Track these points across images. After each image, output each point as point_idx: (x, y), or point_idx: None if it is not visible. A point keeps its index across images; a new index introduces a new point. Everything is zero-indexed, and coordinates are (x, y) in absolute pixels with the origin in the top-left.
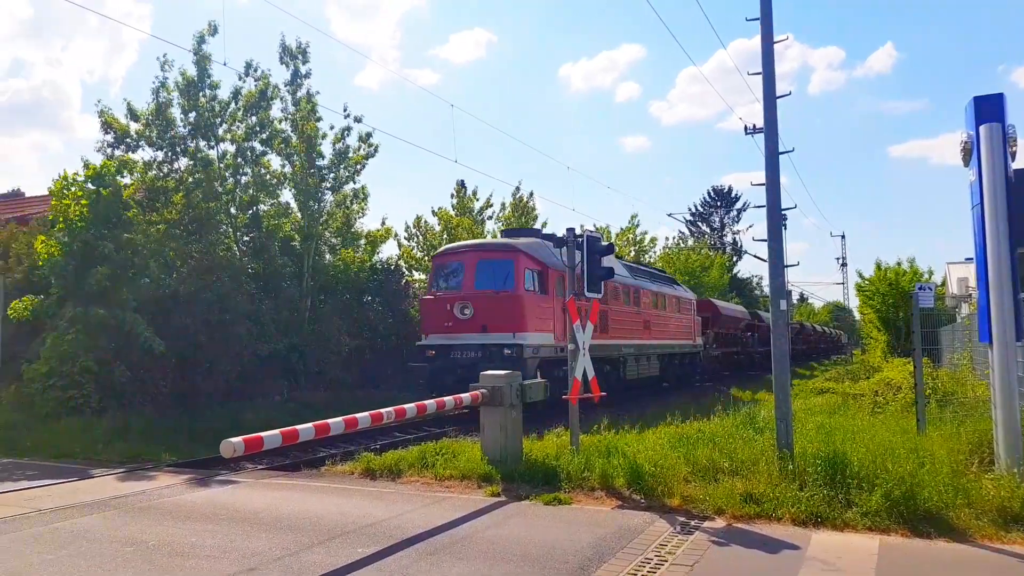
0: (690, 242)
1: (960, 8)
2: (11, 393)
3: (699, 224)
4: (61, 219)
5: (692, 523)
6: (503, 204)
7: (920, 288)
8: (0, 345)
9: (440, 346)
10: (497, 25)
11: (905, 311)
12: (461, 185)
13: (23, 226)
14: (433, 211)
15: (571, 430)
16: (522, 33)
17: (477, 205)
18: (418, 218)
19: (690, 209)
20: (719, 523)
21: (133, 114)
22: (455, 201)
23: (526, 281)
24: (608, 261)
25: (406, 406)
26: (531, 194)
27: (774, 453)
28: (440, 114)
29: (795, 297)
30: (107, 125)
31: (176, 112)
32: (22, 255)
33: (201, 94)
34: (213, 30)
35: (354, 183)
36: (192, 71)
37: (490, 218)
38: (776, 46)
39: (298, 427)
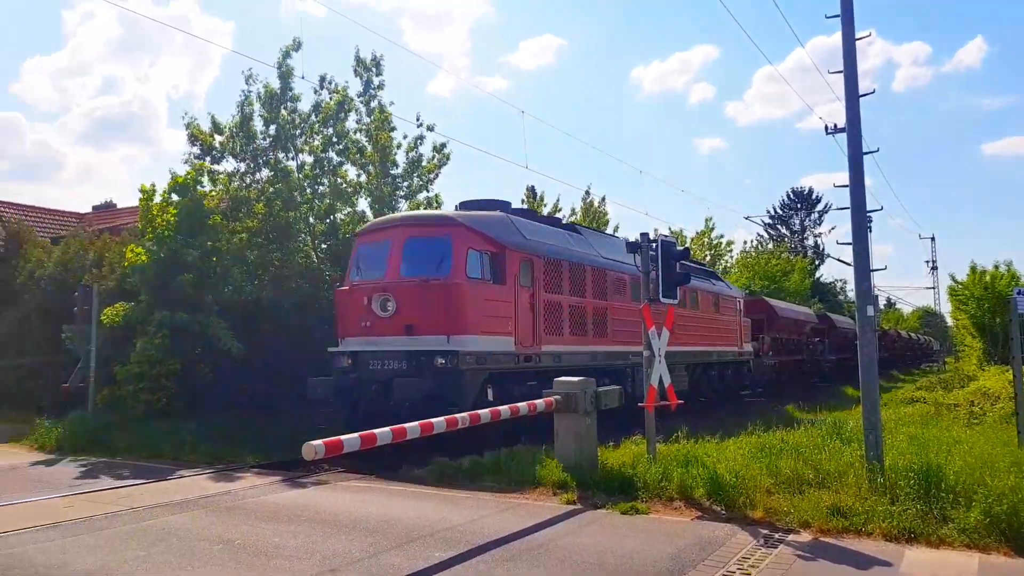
0: (769, 246)
1: None
2: (105, 395)
3: (778, 227)
4: (149, 229)
5: (776, 536)
6: (572, 209)
7: (1019, 292)
8: (95, 349)
9: (357, 353)
10: (567, 30)
11: (1002, 316)
12: (531, 191)
13: (116, 236)
14: None
15: (647, 438)
16: (592, 37)
17: (545, 210)
18: None
19: (768, 211)
20: (805, 537)
21: (217, 127)
22: (525, 207)
23: (469, 265)
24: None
25: (480, 412)
26: (603, 199)
27: (863, 465)
28: (511, 120)
29: (881, 302)
30: (193, 137)
31: (259, 125)
32: (115, 264)
33: (283, 107)
34: (297, 46)
35: (427, 192)
36: (275, 84)
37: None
38: (858, 43)
39: (376, 431)
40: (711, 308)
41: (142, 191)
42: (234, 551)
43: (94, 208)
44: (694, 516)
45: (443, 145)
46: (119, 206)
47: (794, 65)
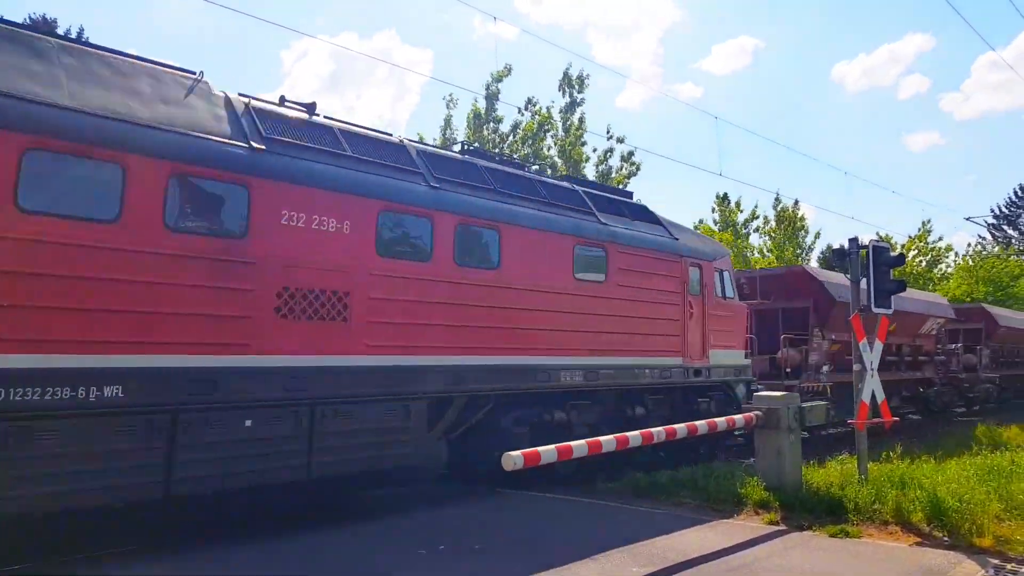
0: (995, 249)
1: None
2: None
3: (1004, 227)
4: None
5: (1008, 567)
6: (765, 218)
7: None
8: None
9: None
10: (763, 30)
11: None
12: (723, 199)
13: None
14: (694, 226)
15: (858, 458)
16: (791, 35)
17: (741, 217)
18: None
19: (992, 211)
20: None
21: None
22: (716, 215)
23: None
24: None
25: (676, 427)
26: (795, 202)
27: None
28: (704, 127)
29: None
30: None
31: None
32: None
33: (485, 127)
34: (508, 71)
35: None
36: (482, 105)
37: (755, 230)
38: None
39: (572, 443)
40: (561, 270)
41: None
42: None
43: None
44: (912, 542)
45: (631, 153)
46: None
47: (1022, 50)
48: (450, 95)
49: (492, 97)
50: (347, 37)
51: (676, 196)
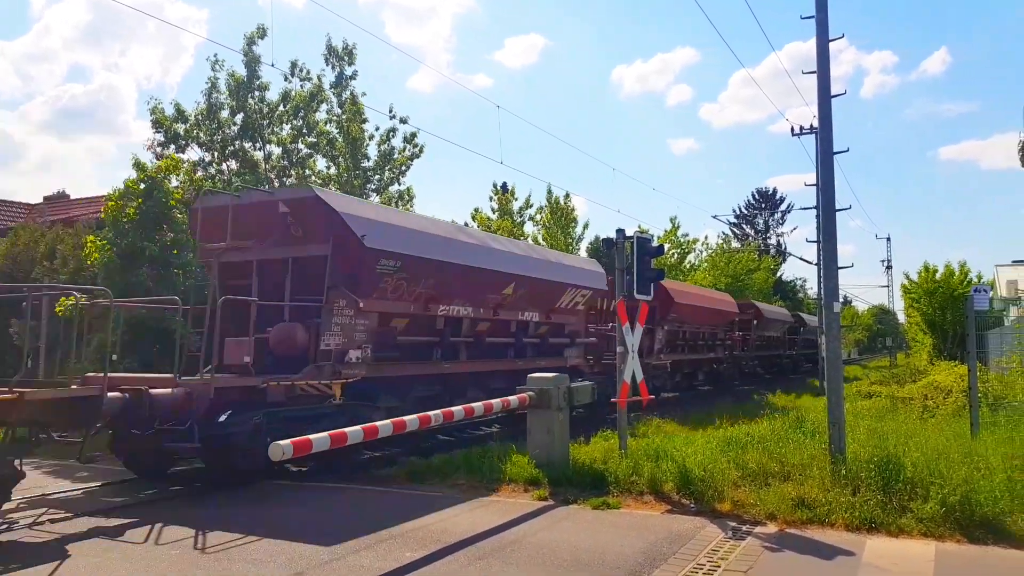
0: (734, 244)
1: (1018, 9)
2: None
3: (743, 226)
4: (110, 220)
5: (743, 528)
6: (540, 207)
7: (976, 291)
8: (46, 345)
9: None
10: (552, 30)
11: (953, 313)
12: (501, 188)
13: (69, 227)
14: (472, 215)
15: (619, 434)
16: (578, 36)
17: (516, 205)
18: (452, 223)
19: (734, 211)
20: (771, 528)
21: (181, 115)
22: (495, 203)
23: None
24: None
25: (453, 409)
26: (567, 195)
27: (826, 458)
28: (490, 117)
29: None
30: (158, 124)
31: (226, 113)
32: (68, 256)
33: (250, 96)
34: (262, 32)
35: (399, 184)
36: (242, 71)
37: (530, 219)
38: (830, 48)
39: (347, 429)
40: None
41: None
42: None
43: (45, 199)
44: (664, 510)
45: (413, 135)
46: (72, 196)
47: (769, 70)
48: (215, 55)
49: (253, 63)
50: None
51: (458, 180)
